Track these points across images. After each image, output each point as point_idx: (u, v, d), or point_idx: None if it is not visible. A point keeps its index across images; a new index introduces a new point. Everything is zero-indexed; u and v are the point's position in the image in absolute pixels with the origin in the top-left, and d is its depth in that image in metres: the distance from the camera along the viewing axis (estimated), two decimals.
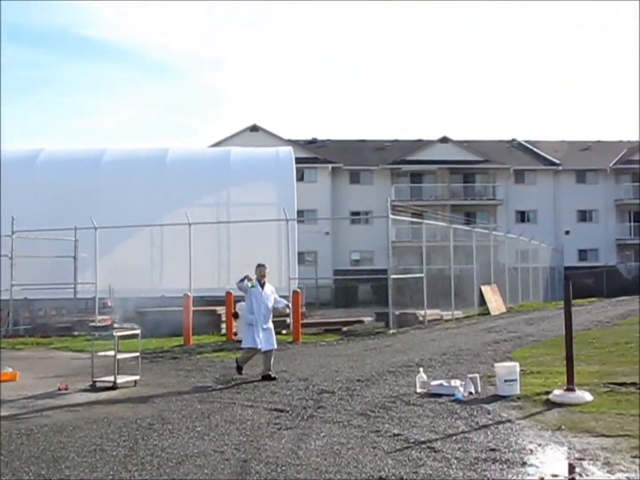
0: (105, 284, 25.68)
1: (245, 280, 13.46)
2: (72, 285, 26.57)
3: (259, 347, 13.32)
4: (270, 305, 13.73)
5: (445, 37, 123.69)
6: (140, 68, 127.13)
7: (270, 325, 13.71)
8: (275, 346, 13.84)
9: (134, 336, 13.87)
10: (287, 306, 14.47)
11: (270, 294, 13.80)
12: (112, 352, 12.80)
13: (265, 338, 13.41)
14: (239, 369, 13.59)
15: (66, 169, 31.10)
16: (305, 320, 24.11)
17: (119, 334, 13.25)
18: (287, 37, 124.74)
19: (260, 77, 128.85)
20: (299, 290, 22.63)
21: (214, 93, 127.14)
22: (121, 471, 7.09)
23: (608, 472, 6.70)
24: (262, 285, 13.69)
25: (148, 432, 8.87)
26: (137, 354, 13.44)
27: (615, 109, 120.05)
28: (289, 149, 35.35)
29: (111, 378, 12.52)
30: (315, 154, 58.85)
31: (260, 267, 13.90)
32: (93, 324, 22.43)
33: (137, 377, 12.91)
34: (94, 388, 12.44)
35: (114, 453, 7.82)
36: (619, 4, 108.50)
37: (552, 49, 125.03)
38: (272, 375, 13.09)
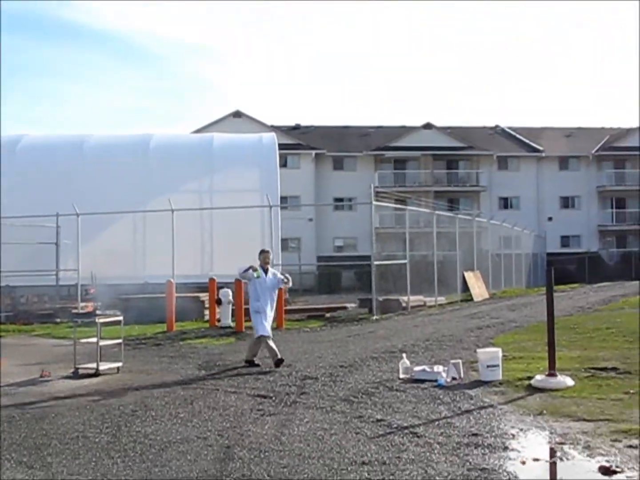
0: (88, 270, 25.55)
1: (250, 271, 13.11)
2: (54, 272, 26.43)
3: (269, 334, 13.04)
4: (275, 291, 13.50)
5: (429, 23, 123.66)
6: (123, 54, 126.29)
7: (271, 312, 13.46)
8: (269, 334, 13.41)
9: (117, 323, 13.81)
10: (284, 280, 13.62)
11: (273, 277, 13.46)
12: (94, 339, 12.76)
13: (267, 325, 13.15)
14: (251, 363, 13.00)
15: (48, 155, 30.87)
16: (288, 307, 24.11)
17: (102, 320, 13.20)
18: (267, 23, 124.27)
19: (243, 63, 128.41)
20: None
21: (197, 79, 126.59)
22: (104, 458, 7.08)
23: (588, 455, 6.76)
24: (266, 272, 13.35)
25: (131, 418, 8.85)
26: (120, 340, 13.40)
27: (598, 96, 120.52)
28: (272, 135, 35.25)
29: (94, 365, 12.48)
30: (298, 140, 58.74)
31: (265, 254, 13.59)
32: (75, 310, 22.28)
33: (119, 364, 12.88)
34: (76, 375, 12.40)
35: (97, 440, 7.81)
36: None
37: (533, 35, 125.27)
38: (256, 362, 13.02)
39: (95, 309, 21.29)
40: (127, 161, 30.94)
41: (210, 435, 7.89)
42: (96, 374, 12.34)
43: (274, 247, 25.41)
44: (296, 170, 56.27)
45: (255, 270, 13.11)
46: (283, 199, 36.01)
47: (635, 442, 7.09)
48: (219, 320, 20.92)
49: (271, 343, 12.99)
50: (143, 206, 27.93)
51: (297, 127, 64.47)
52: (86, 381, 11.87)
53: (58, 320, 23.08)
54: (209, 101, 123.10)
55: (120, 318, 13.86)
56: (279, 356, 12.80)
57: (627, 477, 6.09)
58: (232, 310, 20.64)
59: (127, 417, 8.90)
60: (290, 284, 14.05)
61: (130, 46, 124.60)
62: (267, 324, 13.07)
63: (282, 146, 38.40)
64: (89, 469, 6.68)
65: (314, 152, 58.31)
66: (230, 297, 20.75)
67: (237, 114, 59.25)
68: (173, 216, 24.97)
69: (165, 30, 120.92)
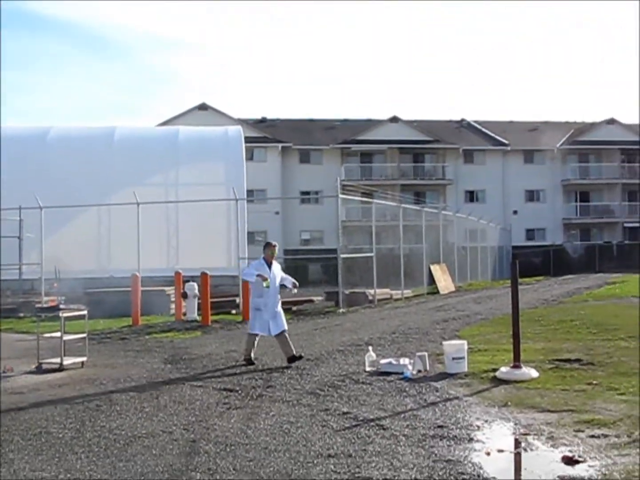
0: (52, 264, 25.26)
1: (259, 279, 12.32)
2: (17, 266, 26.11)
3: (269, 333, 12.45)
4: (278, 287, 12.80)
5: (395, 16, 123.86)
6: (88, 45, 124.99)
7: (280, 308, 12.73)
8: (286, 327, 12.77)
9: (81, 317, 13.64)
10: (294, 285, 12.88)
11: (278, 273, 12.84)
12: (58, 334, 12.59)
13: (274, 322, 12.47)
14: (249, 362, 12.25)
15: (10, 147, 30.32)
16: None
17: (65, 314, 13.04)
18: (232, 15, 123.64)
19: (209, 56, 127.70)
20: None
21: (163, 72, 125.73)
22: (67, 453, 7.00)
23: (552, 446, 6.82)
24: (270, 266, 12.68)
25: (95, 413, 8.77)
26: (84, 335, 13.23)
27: (563, 90, 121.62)
28: (238, 128, 35.12)
29: (57, 360, 12.34)
30: (264, 134, 58.56)
31: (271, 247, 12.89)
32: (39, 305, 22.03)
33: (84, 359, 12.74)
34: (39, 370, 12.25)
35: (60, 435, 7.72)
36: None
37: (498, 30, 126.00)
38: (298, 355, 12.39)
39: (59, 303, 21.04)
40: (91, 154, 30.60)
41: (176, 429, 7.84)
42: (60, 368, 12.20)
43: (240, 240, 25.34)
44: (262, 163, 56.10)
45: (265, 280, 12.30)
46: (249, 192, 35.87)
47: (597, 432, 7.17)
48: (184, 314, 20.80)
49: (284, 339, 12.46)
50: (108, 199, 27.68)
51: (263, 120, 64.26)
52: (50, 376, 11.73)
53: (21, 314, 22.78)
54: (175, 94, 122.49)
55: (85, 312, 13.68)
56: (295, 353, 12.36)
57: (589, 466, 6.15)
58: (198, 303, 20.53)
59: (92, 412, 8.82)
60: (295, 290, 13.08)
61: (94, 37, 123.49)
62: (273, 321, 12.42)
63: (248, 139, 38.25)
64: (52, 465, 6.60)
65: (280, 145, 58.18)
66: (197, 291, 20.63)
67: (203, 107, 58.90)
68: (138, 209, 24.77)
69: (131, 22, 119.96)
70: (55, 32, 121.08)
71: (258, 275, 12.36)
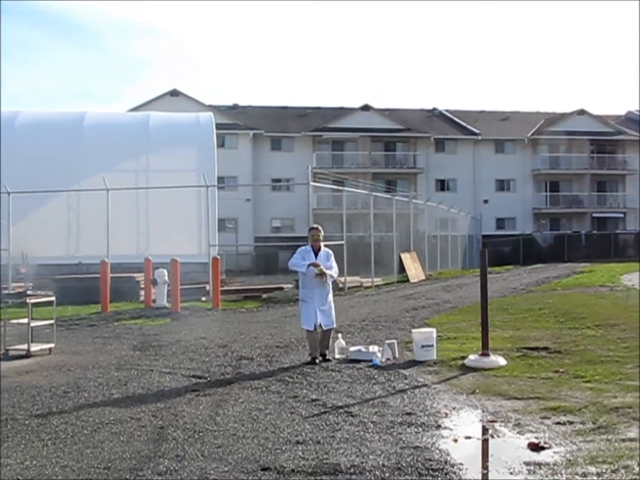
0: (19, 250, 25.03)
1: (312, 268, 11.26)
2: None
3: (316, 327, 11.23)
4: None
5: (367, 3, 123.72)
6: (56, 30, 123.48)
7: (330, 300, 11.53)
8: (334, 325, 11.60)
9: (49, 303, 13.54)
10: (332, 276, 11.57)
11: (325, 259, 11.56)
12: (25, 320, 12.50)
13: (323, 315, 11.30)
14: (314, 360, 11.07)
15: None
16: (225, 287, 24.03)
17: (33, 301, 12.93)
18: (208, 1, 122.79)
19: (180, 41, 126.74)
20: (218, 257, 22.47)
21: (134, 58, 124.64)
22: (34, 440, 6.94)
23: (518, 432, 6.89)
24: (317, 252, 11.61)
25: (63, 400, 8.71)
26: (52, 321, 13.13)
27: (533, 80, 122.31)
28: (209, 114, 34.95)
29: (25, 346, 12.25)
30: (236, 120, 58.26)
31: (314, 230, 11.75)
32: (6, 291, 21.86)
33: (52, 345, 12.65)
34: (6, 357, 12.14)
35: (27, 422, 7.65)
36: None
37: (470, 18, 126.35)
38: (328, 357, 11.26)
39: (27, 290, 20.87)
40: (61, 139, 30.26)
41: (144, 416, 7.82)
42: (27, 355, 12.11)
43: (210, 227, 25.28)
44: (233, 150, 55.80)
45: (317, 266, 11.25)
46: (220, 179, 35.74)
47: (563, 419, 7.25)
48: (154, 301, 20.71)
49: (327, 335, 11.39)
50: (77, 185, 27.41)
51: (234, 107, 63.94)
52: (16, 362, 11.64)
53: None
54: (145, 80, 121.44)
55: (53, 299, 13.58)
56: (327, 354, 11.31)
57: (554, 452, 6.22)
58: (168, 290, 20.44)
59: (59, 399, 8.76)
60: (332, 278, 11.66)
61: (65, 22, 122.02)
62: (322, 314, 11.26)
63: (219, 126, 38.07)
64: (17, 452, 6.54)
65: (251, 132, 57.91)
66: (166, 278, 20.52)
67: (174, 93, 58.44)
68: (108, 195, 24.62)
69: (103, 7, 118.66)
70: (25, 17, 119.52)
71: (311, 265, 11.30)
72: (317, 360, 11.03)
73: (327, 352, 11.35)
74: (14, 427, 7.44)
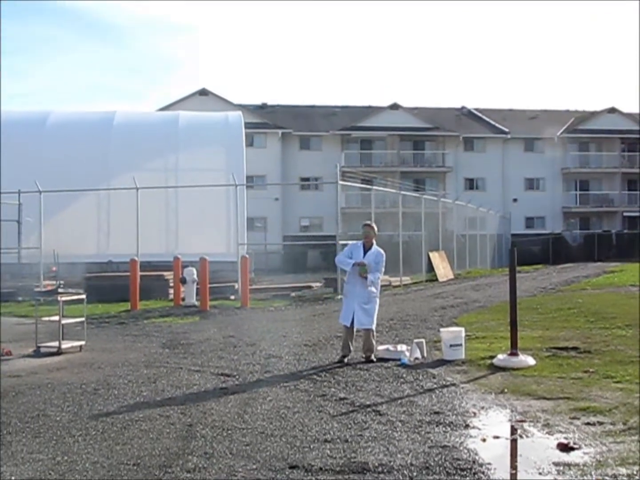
0: (50, 249, 25.27)
1: (356, 268, 11.17)
2: (16, 250, 26.13)
3: (352, 325, 11.11)
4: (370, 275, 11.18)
5: (396, 3, 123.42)
6: (86, 28, 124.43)
7: (374, 299, 11.33)
8: (372, 326, 11.22)
9: (80, 301, 13.69)
10: (370, 282, 11.21)
11: (372, 260, 11.25)
12: (56, 317, 12.63)
13: (362, 314, 11.12)
14: (343, 359, 11.00)
15: (10, 132, 30.14)
16: (254, 286, 24.09)
17: (64, 299, 13.08)
18: (233, 1, 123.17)
19: (210, 41, 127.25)
20: (247, 255, 22.54)
21: (164, 56, 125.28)
22: (65, 436, 7.02)
23: (547, 433, 6.85)
24: (367, 250, 11.36)
25: (93, 397, 8.80)
26: (83, 319, 13.27)
27: (563, 79, 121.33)
28: (238, 113, 35.03)
29: (56, 343, 12.38)
30: (265, 119, 58.37)
31: (367, 227, 11.54)
32: (38, 289, 22.10)
33: (82, 343, 12.78)
34: (38, 353, 12.29)
35: (58, 418, 7.74)
36: None
37: (500, 17, 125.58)
38: (372, 358, 11.01)
39: (58, 287, 21.07)
40: (91, 138, 30.51)
41: (173, 413, 7.87)
42: (58, 352, 12.24)
43: (239, 226, 25.38)
44: (262, 149, 55.91)
45: (362, 265, 11.11)
46: (249, 178, 35.85)
47: (593, 419, 7.20)
48: (183, 299, 20.82)
49: (367, 336, 11.15)
50: (107, 184, 27.67)
51: (263, 106, 64.07)
52: (48, 360, 11.77)
53: (20, 298, 22.81)
54: (175, 79, 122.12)
55: (83, 296, 13.74)
56: (371, 355, 11.06)
57: (584, 453, 6.18)
58: (197, 289, 20.54)
59: (89, 396, 8.85)
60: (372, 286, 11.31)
61: (94, 21, 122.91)
62: (361, 313, 11.08)
63: (248, 125, 38.15)
64: (49, 448, 6.63)
65: (280, 131, 57.99)
66: (195, 276, 20.62)
67: (204, 92, 58.69)
68: (137, 194, 24.76)
69: (131, 4, 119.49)
70: (55, 16, 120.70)
71: (356, 264, 11.15)
72: (345, 360, 10.96)
73: (371, 354, 11.03)
74: (45, 423, 7.53)
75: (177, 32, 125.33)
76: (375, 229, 11.68)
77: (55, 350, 12.31)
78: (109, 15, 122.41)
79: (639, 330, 13.17)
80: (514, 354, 10.36)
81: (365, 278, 11.12)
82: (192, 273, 20.73)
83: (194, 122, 33.03)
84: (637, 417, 7.20)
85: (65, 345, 12.45)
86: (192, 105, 50.42)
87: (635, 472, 5.61)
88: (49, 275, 24.93)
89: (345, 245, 21.43)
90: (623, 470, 5.66)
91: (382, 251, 11.54)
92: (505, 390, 8.67)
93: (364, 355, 11.15)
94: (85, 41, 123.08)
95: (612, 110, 62.95)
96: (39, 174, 26.26)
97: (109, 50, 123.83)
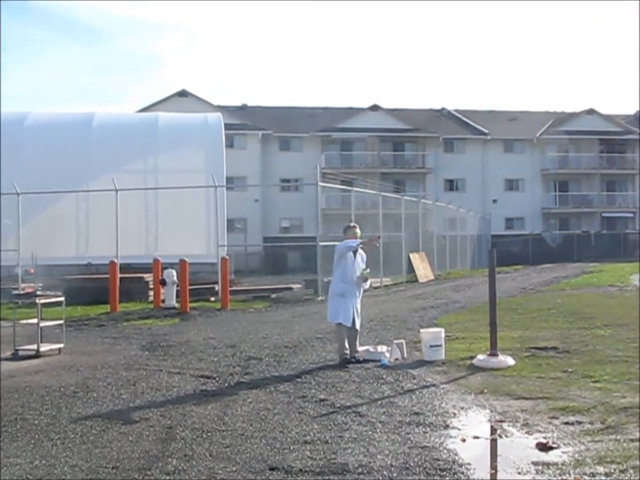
0: (29, 251, 25.07)
1: (363, 273, 11.19)
2: None
3: (353, 324, 11.03)
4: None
5: (375, 3, 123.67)
6: (65, 29, 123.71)
7: (359, 302, 11.33)
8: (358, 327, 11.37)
9: (58, 304, 13.58)
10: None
11: (361, 260, 11.34)
12: (35, 320, 12.53)
13: (355, 314, 11.12)
14: (345, 361, 10.82)
15: None
16: (234, 287, 24.04)
17: (42, 301, 12.97)
18: (213, 2, 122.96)
19: (189, 42, 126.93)
20: (227, 257, 22.50)
21: (143, 57, 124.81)
22: (43, 440, 6.97)
23: (526, 432, 6.88)
24: (355, 251, 11.26)
25: (72, 400, 8.73)
26: (61, 321, 13.17)
27: (542, 80, 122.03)
28: (218, 115, 34.95)
29: (34, 346, 12.28)
30: (245, 121, 58.29)
31: (352, 229, 11.43)
32: (15, 291, 21.89)
33: (61, 345, 12.69)
34: (16, 357, 12.19)
35: (36, 422, 7.68)
36: None
37: (478, 18, 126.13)
38: (359, 358, 11.00)
39: (36, 290, 20.87)
40: (70, 140, 30.24)
41: (153, 415, 7.83)
42: (37, 355, 12.15)
43: (219, 227, 25.32)
44: (242, 150, 55.81)
45: (364, 270, 11.20)
46: (229, 179, 35.72)
47: (571, 419, 7.24)
48: (163, 301, 20.74)
49: (356, 336, 11.19)
50: (86, 185, 27.44)
51: (243, 108, 63.98)
52: (26, 363, 11.68)
53: None
54: (155, 80, 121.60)
55: (62, 299, 13.62)
56: (356, 354, 11.03)
57: (562, 452, 6.21)
58: (177, 291, 20.47)
59: (68, 399, 8.79)
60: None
61: (74, 21, 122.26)
62: (352, 312, 11.04)
63: (228, 126, 38.05)
64: (27, 452, 6.57)
65: (260, 132, 57.94)
66: (175, 278, 20.55)
67: (183, 94, 58.53)
68: (117, 196, 24.65)
69: (110, 5, 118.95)
70: (34, 16, 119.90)
71: (367, 241, 11.35)
72: (353, 360, 10.84)
73: (355, 354, 11.03)
74: (23, 427, 7.47)
75: (157, 34, 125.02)
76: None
77: (33, 353, 12.22)
78: (87, 16, 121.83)
79: (617, 330, 13.29)
80: (493, 354, 10.40)
81: (366, 280, 11.26)
82: (172, 275, 20.65)
83: (173, 124, 32.88)
84: (615, 417, 7.26)
85: (44, 348, 12.36)
86: (171, 106, 50.31)
87: (612, 471, 5.65)
88: (27, 277, 24.73)
89: (326, 246, 21.42)
90: (601, 469, 5.70)
91: (364, 254, 11.58)
92: (485, 390, 8.71)
93: (351, 357, 11.00)
94: (66, 42, 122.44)
95: (591, 112, 63.44)
96: (17, 175, 26.05)
97: (86, 51, 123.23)
